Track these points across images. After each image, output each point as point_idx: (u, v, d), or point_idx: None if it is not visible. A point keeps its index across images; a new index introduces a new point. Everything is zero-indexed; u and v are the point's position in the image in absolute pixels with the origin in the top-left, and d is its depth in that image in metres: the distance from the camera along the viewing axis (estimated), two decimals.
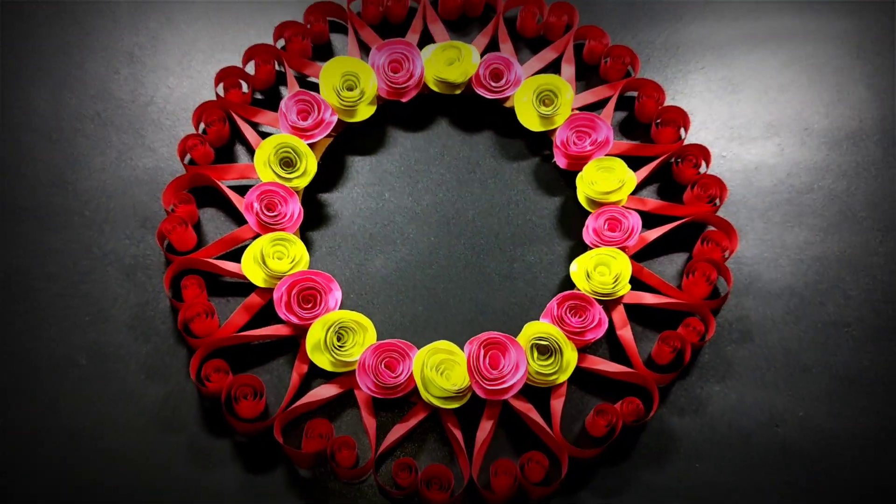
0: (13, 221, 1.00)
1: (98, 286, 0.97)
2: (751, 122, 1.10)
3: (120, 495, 0.88)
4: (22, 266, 0.98)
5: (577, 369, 0.93)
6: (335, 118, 1.04)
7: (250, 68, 1.08)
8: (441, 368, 0.91)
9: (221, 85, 1.06)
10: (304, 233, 1.01)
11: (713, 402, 0.94)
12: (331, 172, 1.05)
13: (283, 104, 1.02)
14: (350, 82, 1.05)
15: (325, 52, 1.13)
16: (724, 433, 0.93)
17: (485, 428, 0.90)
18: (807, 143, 1.09)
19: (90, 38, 1.12)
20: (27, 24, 1.12)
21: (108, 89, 1.08)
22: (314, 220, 1.03)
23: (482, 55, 1.09)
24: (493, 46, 1.12)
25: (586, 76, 1.12)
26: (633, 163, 1.04)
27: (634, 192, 1.04)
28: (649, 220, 1.02)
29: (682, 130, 1.06)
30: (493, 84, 1.07)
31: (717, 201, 1.01)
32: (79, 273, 0.98)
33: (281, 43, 1.10)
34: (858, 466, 0.91)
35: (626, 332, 0.95)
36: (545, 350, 0.92)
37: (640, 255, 1.01)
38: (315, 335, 0.92)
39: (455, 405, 0.90)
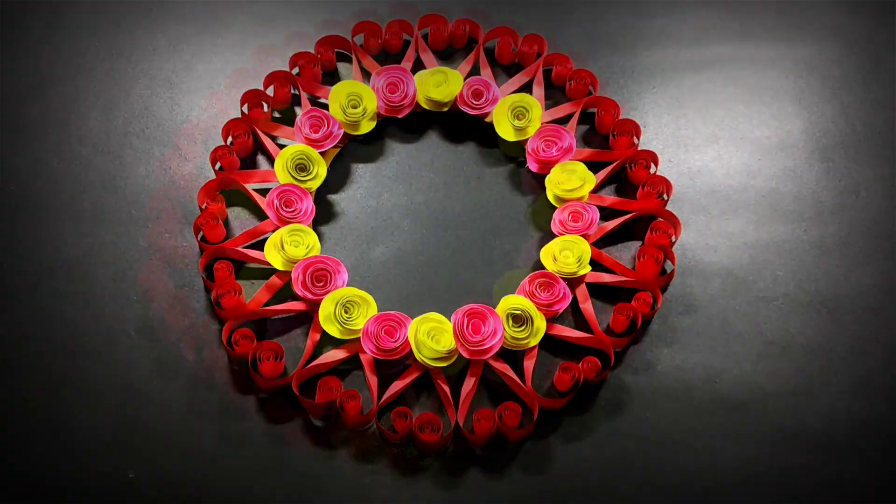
0: (74, 220, 1.09)
1: (144, 271, 1.06)
2: (694, 133, 1.19)
3: (164, 439, 0.97)
4: (81, 256, 1.07)
5: (546, 335, 1.02)
6: (342, 131, 1.12)
7: (270, 91, 1.16)
8: (432, 334, 0.99)
9: (246, 105, 1.14)
10: (316, 227, 1.09)
11: (661, 363, 1.04)
12: (338, 176, 1.14)
13: (298, 120, 1.11)
14: (354, 101, 1.13)
15: (333, 78, 1.21)
16: (670, 388, 1.02)
17: (468, 384, 0.99)
18: (742, 149, 1.18)
19: (135, 68, 1.20)
20: (83, 58, 1.21)
21: (150, 109, 1.17)
22: (325, 216, 1.11)
23: (465, 79, 1.17)
24: (474, 72, 1.20)
25: (554, 96, 1.20)
26: (594, 167, 1.12)
27: (595, 191, 1.11)
28: (608, 213, 1.11)
29: (636, 139, 1.14)
30: (474, 102, 1.15)
31: (665, 196, 1.10)
32: (128, 261, 1.07)
33: (296, 70, 1.17)
34: (781, 413, 1.01)
35: (587, 306, 1.05)
36: (519, 319, 1.01)
37: (600, 243, 1.10)
38: (326, 308, 1.01)
39: (443, 365, 0.99)
